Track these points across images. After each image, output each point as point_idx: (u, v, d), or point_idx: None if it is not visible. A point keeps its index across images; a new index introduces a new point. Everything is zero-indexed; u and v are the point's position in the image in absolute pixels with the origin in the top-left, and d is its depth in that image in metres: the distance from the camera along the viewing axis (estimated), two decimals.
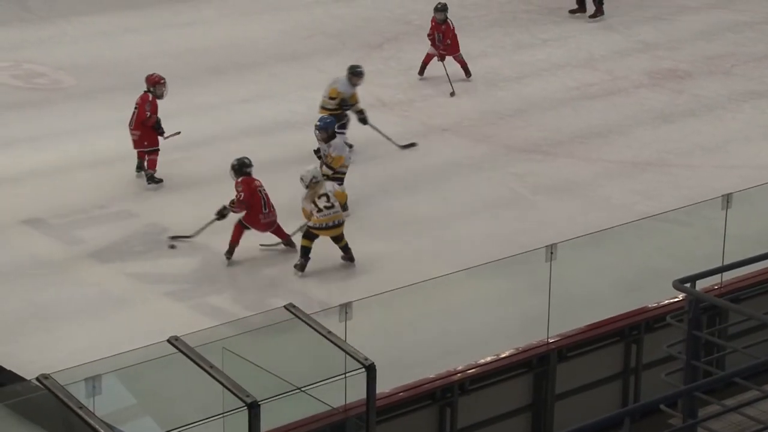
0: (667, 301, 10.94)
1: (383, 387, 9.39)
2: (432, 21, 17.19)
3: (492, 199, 13.92)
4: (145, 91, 13.89)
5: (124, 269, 12.07)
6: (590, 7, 19.59)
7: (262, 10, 20.05)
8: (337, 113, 14.17)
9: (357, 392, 9.22)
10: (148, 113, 13.72)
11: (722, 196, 11.36)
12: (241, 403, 8.49)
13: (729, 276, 10.97)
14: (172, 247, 12.36)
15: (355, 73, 14.60)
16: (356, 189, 13.48)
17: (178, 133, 13.98)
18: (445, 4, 17.10)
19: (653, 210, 12.78)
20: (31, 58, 17.75)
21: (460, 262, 11.12)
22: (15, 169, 14.13)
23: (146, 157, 13.81)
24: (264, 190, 12.35)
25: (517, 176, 14.50)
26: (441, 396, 9.92)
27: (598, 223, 12.15)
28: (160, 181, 13.77)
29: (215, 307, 11.38)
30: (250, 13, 19.88)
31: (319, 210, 11.95)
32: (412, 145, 15.12)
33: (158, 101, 13.86)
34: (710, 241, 11.53)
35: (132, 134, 13.84)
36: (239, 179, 12.28)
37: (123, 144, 14.03)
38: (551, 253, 10.42)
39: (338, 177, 12.95)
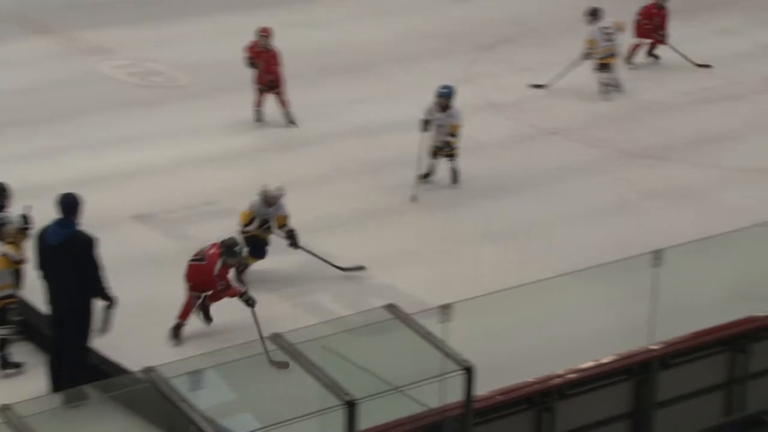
0: None
1: (482, 390, 9.35)
2: (651, 7, 17.51)
3: (602, 204, 13.78)
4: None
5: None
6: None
7: (374, 13, 20.15)
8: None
9: (455, 394, 9.19)
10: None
11: None
12: (339, 402, 8.54)
13: None
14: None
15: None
16: (463, 190, 13.47)
17: None
18: None
19: None
20: (149, 56, 18.09)
21: (565, 267, 10.99)
22: (128, 165, 14.40)
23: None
24: None
25: (628, 181, 14.32)
26: (539, 400, 9.84)
27: (710, 230, 11.90)
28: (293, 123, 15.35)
29: (316, 306, 11.46)
30: (363, 16, 20.00)
31: None
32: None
33: None
34: None
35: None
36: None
37: (233, 142, 14.19)
38: (657, 258, 10.26)
39: (452, 154, 13.49)
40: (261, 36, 15.56)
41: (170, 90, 16.99)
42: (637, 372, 10.26)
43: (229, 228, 12.73)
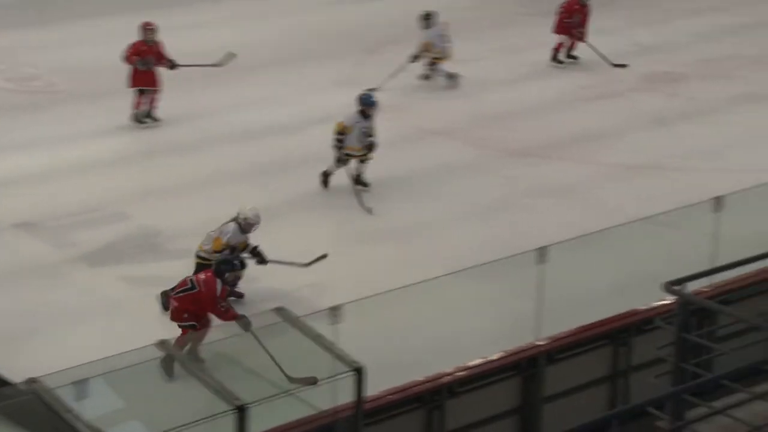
0: (656, 304, 10.94)
1: (372, 390, 9.40)
2: (573, 3, 17.62)
3: (485, 203, 13.92)
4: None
5: (116, 272, 12.07)
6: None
7: (258, 14, 20.10)
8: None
9: (346, 395, 9.22)
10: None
11: (713, 198, 11.37)
12: (230, 407, 8.50)
13: (719, 278, 10.97)
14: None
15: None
16: (350, 192, 13.51)
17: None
18: None
19: (648, 213, 12.78)
20: (25, 61, 17.79)
21: (453, 266, 11.12)
22: (7, 172, 14.15)
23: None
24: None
25: (510, 179, 14.51)
26: (429, 399, 9.93)
27: (592, 226, 12.13)
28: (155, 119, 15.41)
29: None
30: (247, 17, 19.94)
31: None
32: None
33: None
34: (702, 244, 11.54)
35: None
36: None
37: (115, 146, 14.01)
38: (541, 255, 10.43)
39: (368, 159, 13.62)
40: (146, 30, 15.44)
41: (48, 95, 16.73)
42: (525, 368, 10.42)
43: (119, 233, 12.64)
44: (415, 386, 9.91)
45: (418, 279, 10.28)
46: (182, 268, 11.33)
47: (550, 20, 18.45)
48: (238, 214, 11.33)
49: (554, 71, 17.89)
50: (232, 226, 11.27)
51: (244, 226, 11.30)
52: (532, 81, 17.57)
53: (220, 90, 16.80)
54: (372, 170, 14.39)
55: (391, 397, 9.79)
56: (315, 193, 13.84)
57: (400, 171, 14.63)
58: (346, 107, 14.12)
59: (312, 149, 14.43)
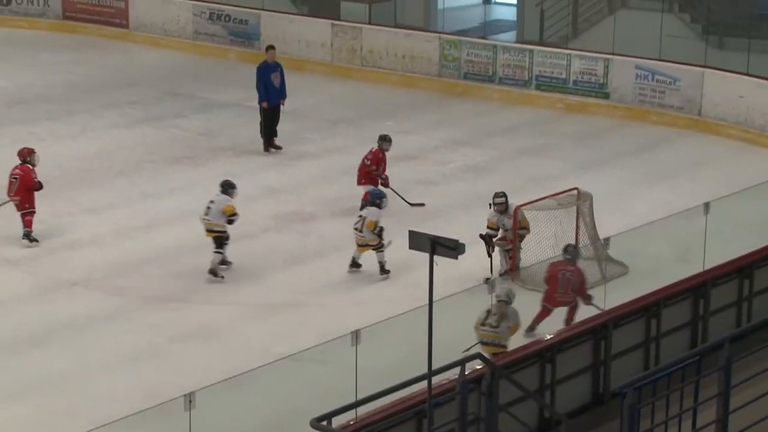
0: None
1: None
2: (378, 152, 17.89)
3: (129, 352, 13.83)
4: (21, 163, 16.76)
5: None
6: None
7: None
8: None
9: None
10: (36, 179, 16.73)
11: (351, 332, 11.83)
12: None
13: (363, 410, 11.34)
14: None
15: None
16: None
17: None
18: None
19: (289, 350, 13.09)
20: None
21: (99, 419, 10.92)
22: None
23: (25, 218, 16.60)
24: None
25: (153, 326, 14.49)
26: None
27: (237, 367, 12.29)
28: (36, 240, 16.59)
29: None
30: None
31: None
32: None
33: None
34: (344, 377, 11.93)
35: (13, 200, 16.72)
36: None
37: None
38: (189, 401, 10.44)
39: None
40: None
41: None
42: None
43: None
44: None
45: None
46: None
47: (179, 167, 18.59)
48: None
49: (188, 217, 18.05)
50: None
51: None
52: (167, 226, 17.63)
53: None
54: (5, 324, 13.98)
55: None
56: None
57: (37, 323, 14.29)
58: None
59: None
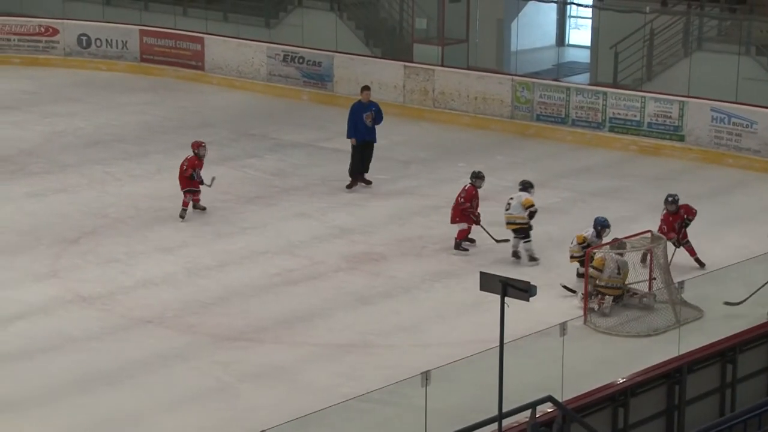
0: None
1: None
2: (471, 189, 18.19)
3: (198, 390, 13.86)
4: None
5: None
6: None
7: None
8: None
9: None
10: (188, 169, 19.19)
11: (421, 373, 11.75)
12: None
13: None
14: None
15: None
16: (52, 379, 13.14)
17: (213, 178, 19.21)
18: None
19: (357, 391, 13.04)
20: None
21: None
22: None
23: (185, 197, 19.23)
24: None
25: (222, 365, 14.51)
26: None
27: (306, 407, 12.28)
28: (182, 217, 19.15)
29: None
30: None
31: None
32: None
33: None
34: (414, 419, 11.85)
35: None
36: None
37: None
38: None
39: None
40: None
41: None
42: None
43: None
44: None
45: None
46: None
47: (253, 206, 18.58)
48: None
49: (260, 257, 18.12)
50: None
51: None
52: (238, 266, 17.71)
53: None
54: (76, 361, 14.05)
55: None
56: None
57: (109, 361, 14.39)
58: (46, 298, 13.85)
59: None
